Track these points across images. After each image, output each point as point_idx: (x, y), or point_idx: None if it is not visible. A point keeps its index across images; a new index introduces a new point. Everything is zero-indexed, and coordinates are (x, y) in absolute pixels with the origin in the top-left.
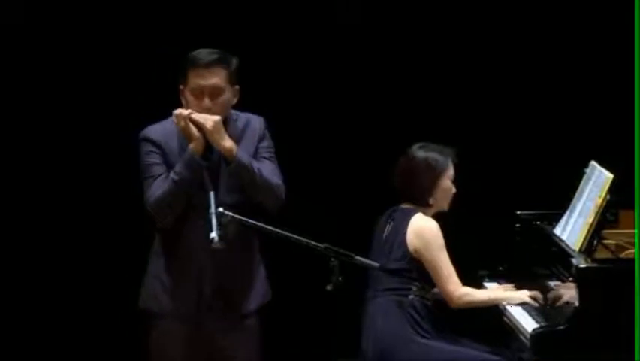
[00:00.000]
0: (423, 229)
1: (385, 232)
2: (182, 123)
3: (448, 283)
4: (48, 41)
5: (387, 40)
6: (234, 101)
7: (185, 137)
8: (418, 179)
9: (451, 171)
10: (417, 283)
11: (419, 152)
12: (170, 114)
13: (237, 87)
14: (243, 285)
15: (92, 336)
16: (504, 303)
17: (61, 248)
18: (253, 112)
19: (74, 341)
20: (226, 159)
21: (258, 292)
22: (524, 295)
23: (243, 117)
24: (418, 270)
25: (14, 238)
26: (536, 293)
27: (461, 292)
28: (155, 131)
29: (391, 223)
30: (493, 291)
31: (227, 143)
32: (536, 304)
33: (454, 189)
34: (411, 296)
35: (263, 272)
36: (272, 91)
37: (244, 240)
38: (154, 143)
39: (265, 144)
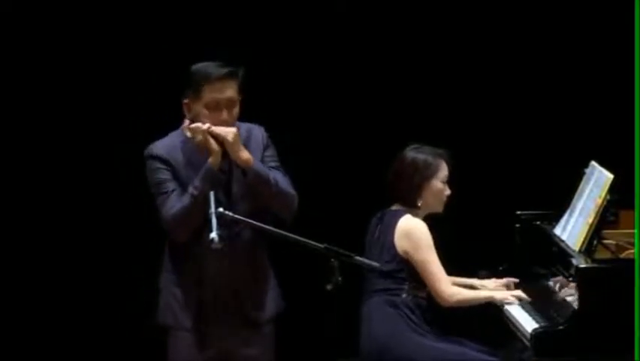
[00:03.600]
0: (410, 230)
1: (375, 234)
2: (201, 137)
3: (438, 283)
4: (37, 30)
5: (386, 40)
6: None
7: (200, 150)
8: (405, 180)
9: (443, 173)
10: (408, 283)
11: (409, 153)
12: (171, 124)
13: (241, 98)
14: (257, 294)
15: (108, 350)
16: (493, 301)
17: (73, 260)
18: (252, 113)
19: (87, 355)
20: (243, 170)
21: (272, 301)
22: (508, 294)
23: (243, 127)
24: (408, 270)
25: (22, 249)
26: (521, 294)
27: (452, 291)
28: (161, 147)
29: (381, 225)
30: (481, 290)
31: (245, 155)
32: (517, 302)
33: (447, 191)
34: (404, 295)
35: (274, 281)
36: (272, 91)
37: (255, 249)
38: (161, 159)
39: (270, 152)
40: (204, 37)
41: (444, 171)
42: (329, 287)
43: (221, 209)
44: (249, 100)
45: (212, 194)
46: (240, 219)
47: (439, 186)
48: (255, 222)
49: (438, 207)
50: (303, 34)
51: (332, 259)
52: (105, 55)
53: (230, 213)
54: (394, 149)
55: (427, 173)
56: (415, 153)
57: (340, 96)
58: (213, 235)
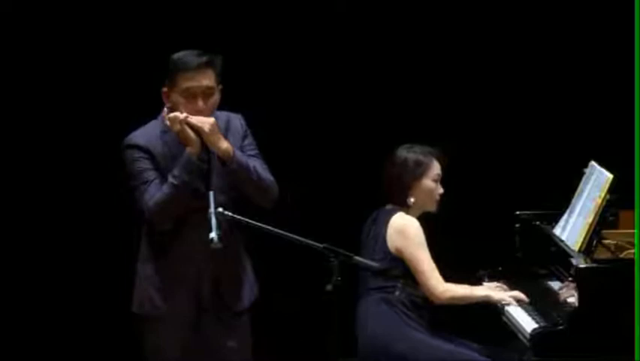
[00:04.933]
0: (402, 227)
1: (370, 233)
2: (179, 127)
3: (429, 280)
4: (36, 30)
5: (385, 40)
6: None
7: (180, 140)
8: (396, 180)
9: (434, 172)
10: (401, 281)
11: (401, 153)
12: (151, 115)
13: (221, 87)
14: (237, 283)
15: (85, 339)
16: (490, 301)
17: (52, 251)
18: (255, 111)
19: (67, 343)
20: (223, 160)
21: (250, 289)
22: (506, 295)
23: (222, 116)
24: (401, 268)
25: (5, 242)
26: (519, 295)
27: (443, 288)
28: (140, 136)
29: (374, 224)
30: (475, 287)
31: (224, 144)
32: (514, 303)
33: (439, 190)
34: (397, 293)
35: (251, 269)
36: (271, 91)
37: (232, 238)
38: (141, 148)
39: (248, 141)
40: (190, 30)
41: (435, 169)
42: (329, 287)
43: (220, 209)
44: (251, 101)
45: (212, 194)
46: (240, 219)
47: (430, 185)
48: (255, 223)
49: (431, 207)
50: (303, 33)
51: (332, 259)
52: (86, 46)
53: (230, 214)
54: (394, 148)
55: (417, 172)
56: (406, 153)
57: (341, 96)
58: (213, 234)
